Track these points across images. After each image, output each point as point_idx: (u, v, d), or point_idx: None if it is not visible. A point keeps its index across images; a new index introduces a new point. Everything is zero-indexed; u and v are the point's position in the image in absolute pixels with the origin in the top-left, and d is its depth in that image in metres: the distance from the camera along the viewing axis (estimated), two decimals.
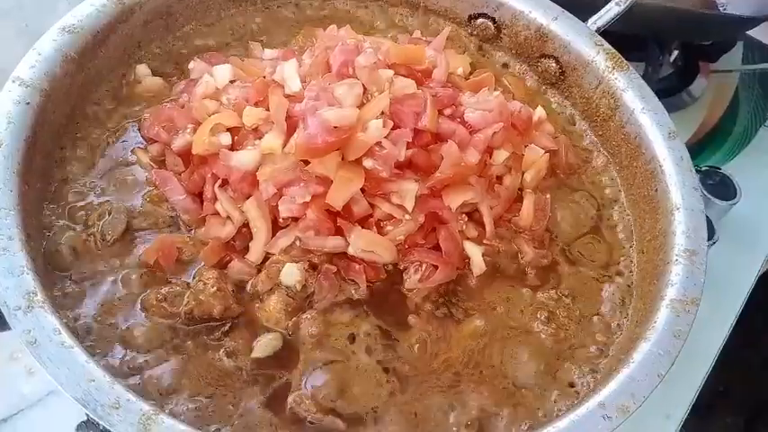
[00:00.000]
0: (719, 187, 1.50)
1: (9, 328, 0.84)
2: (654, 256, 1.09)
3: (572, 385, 1.00)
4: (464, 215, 1.10)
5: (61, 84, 1.09)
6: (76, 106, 1.15)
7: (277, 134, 1.04)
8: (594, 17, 1.32)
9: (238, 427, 0.91)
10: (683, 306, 0.98)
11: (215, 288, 0.99)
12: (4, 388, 1.20)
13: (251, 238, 1.05)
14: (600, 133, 1.30)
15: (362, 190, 1.03)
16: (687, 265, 1.02)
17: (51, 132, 1.08)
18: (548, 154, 1.19)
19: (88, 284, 0.99)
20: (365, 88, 1.07)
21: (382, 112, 1.04)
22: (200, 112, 1.10)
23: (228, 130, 1.08)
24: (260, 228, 1.04)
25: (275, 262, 1.02)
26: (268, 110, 1.07)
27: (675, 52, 1.83)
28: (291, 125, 1.04)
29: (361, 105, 1.05)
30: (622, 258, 1.16)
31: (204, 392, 0.93)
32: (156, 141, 1.14)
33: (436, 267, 1.05)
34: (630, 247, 1.17)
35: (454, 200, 1.06)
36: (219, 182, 1.06)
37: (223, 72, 1.15)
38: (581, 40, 1.30)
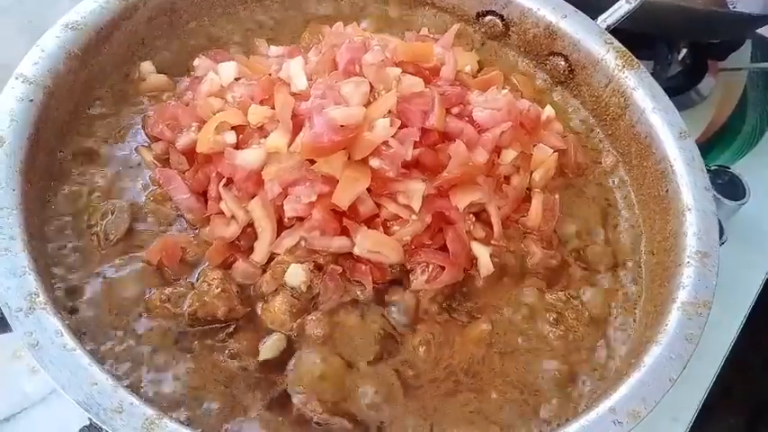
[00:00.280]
0: (728, 187, 1.48)
1: (11, 330, 0.83)
2: (664, 258, 1.08)
3: (581, 389, 0.99)
4: (472, 215, 1.08)
5: (65, 81, 1.08)
6: (80, 104, 1.14)
7: (283, 133, 1.03)
8: (604, 15, 1.31)
9: (245, 430, 0.90)
10: (694, 309, 0.97)
11: (219, 289, 0.98)
12: (7, 386, 1.20)
13: (256, 238, 1.03)
14: (609, 132, 1.28)
15: (369, 190, 1.01)
16: (699, 267, 1.01)
17: (54, 130, 1.07)
18: (556, 153, 1.18)
19: (91, 284, 0.98)
20: (372, 86, 1.06)
21: (389, 111, 1.03)
22: (204, 110, 1.09)
23: (233, 128, 1.07)
24: (265, 228, 1.03)
25: (280, 262, 1.01)
26: (273, 108, 1.06)
27: (684, 50, 1.81)
28: (297, 124, 1.03)
29: (367, 104, 1.04)
30: (632, 259, 1.14)
31: (209, 395, 0.92)
32: (160, 139, 1.13)
33: (443, 268, 1.03)
34: (640, 248, 1.16)
35: (462, 200, 1.05)
36: (224, 181, 1.05)
37: (228, 69, 1.14)
38: (590, 38, 1.29)
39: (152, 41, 1.27)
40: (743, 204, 1.47)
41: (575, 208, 1.19)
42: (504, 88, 1.18)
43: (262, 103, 1.08)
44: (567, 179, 1.22)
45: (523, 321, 1.05)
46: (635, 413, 0.86)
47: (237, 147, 1.05)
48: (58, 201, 1.05)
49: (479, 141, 1.08)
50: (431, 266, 1.04)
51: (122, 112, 1.18)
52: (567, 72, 1.33)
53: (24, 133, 0.99)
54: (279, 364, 0.96)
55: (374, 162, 1.01)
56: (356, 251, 1.01)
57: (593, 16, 1.31)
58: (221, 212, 1.05)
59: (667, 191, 1.13)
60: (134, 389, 0.88)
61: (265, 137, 1.05)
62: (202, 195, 1.08)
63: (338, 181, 0.99)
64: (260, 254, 1.03)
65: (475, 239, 1.08)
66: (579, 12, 1.31)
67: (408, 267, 1.05)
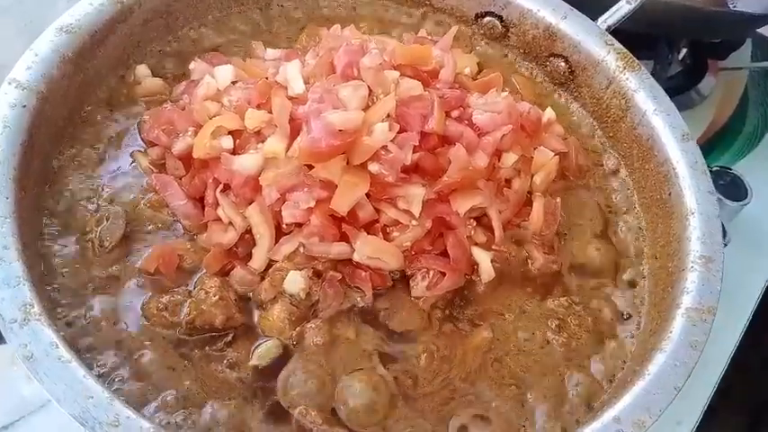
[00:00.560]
0: (730, 188, 1.47)
1: (5, 342, 0.82)
2: (667, 263, 1.07)
3: (584, 396, 0.98)
4: (472, 220, 1.07)
5: (59, 86, 1.07)
6: (74, 109, 1.13)
7: (280, 137, 1.02)
8: (605, 15, 1.29)
9: None
10: (699, 315, 0.96)
11: (217, 297, 0.96)
12: (5, 393, 1.18)
13: (254, 245, 1.02)
14: (611, 135, 1.27)
15: (368, 195, 1.00)
16: (703, 272, 1.00)
17: (48, 136, 1.06)
18: (557, 156, 1.17)
19: (86, 292, 0.97)
20: (370, 90, 1.05)
21: (388, 115, 1.02)
22: (201, 114, 1.08)
23: (230, 133, 1.05)
24: (263, 234, 1.01)
25: (279, 269, 1.00)
26: (271, 112, 1.05)
27: (684, 50, 1.80)
28: (295, 128, 1.02)
29: (366, 108, 1.03)
30: (634, 264, 1.13)
31: (207, 405, 0.90)
32: (155, 144, 1.11)
33: (444, 274, 1.02)
34: (643, 252, 1.14)
35: (462, 204, 1.04)
36: (221, 186, 1.04)
37: (224, 73, 1.13)
38: (591, 40, 1.27)
39: (147, 45, 1.25)
40: (745, 205, 1.46)
41: (576, 211, 1.17)
42: (504, 90, 1.16)
43: (259, 107, 1.07)
44: (568, 182, 1.21)
45: (525, 328, 1.04)
46: (640, 423, 0.85)
47: (234, 152, 1.04)
48: (53, 208, 1.04)
49: (479, 145, 1.07)
50: (431, 272, 1.03)
51: (117, 116, 1.16)
52: (567, 74, 1.32)
53: (17, 140, 0.98)
54: (276, 371, 0.95)
55: (373, 167, 1.00)
56: (356, 257, 1.00)
57: (594, 17, 1.30)
58: (219, 219, 1.04)
59: (670, 194, 1.11)
60: (130, 401, 0.86)
61: (263, 142, 1.03)
62: (199, 201, 1.07)
63: (337, 186, 0.98)
64: (258, 261, 1.02)
65: (476, 244, 1.07)
66: (579, 13, 1.30)
67: (409, 273, 1.04)
